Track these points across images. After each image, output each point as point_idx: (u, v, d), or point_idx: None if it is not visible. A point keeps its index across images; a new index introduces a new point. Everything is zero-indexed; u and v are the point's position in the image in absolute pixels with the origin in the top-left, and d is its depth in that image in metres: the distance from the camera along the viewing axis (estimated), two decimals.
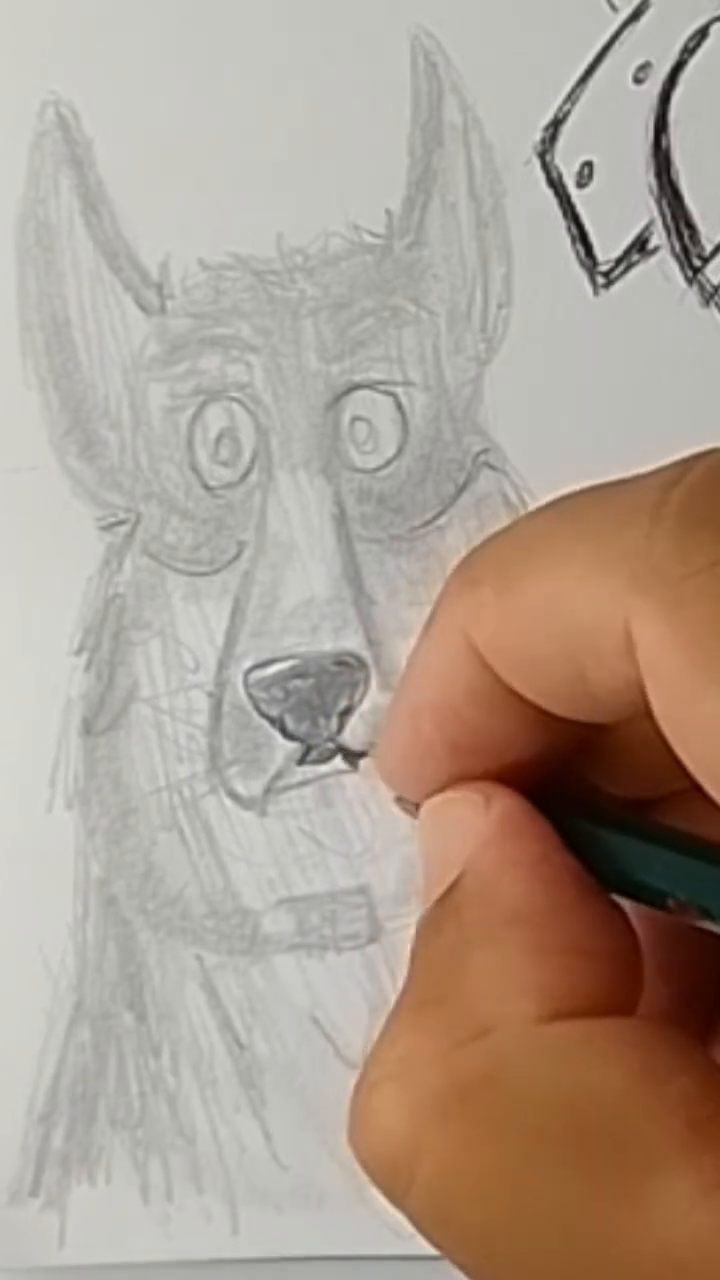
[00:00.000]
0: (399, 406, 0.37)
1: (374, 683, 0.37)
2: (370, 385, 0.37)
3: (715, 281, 0.36)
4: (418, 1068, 0.24)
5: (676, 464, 0.24)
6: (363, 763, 0.36)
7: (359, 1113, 0.25)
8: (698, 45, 0.36)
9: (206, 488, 0.38)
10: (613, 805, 0.27)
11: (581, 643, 0.24)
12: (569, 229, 0.36)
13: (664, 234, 0.36)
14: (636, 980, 0.25)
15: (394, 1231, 0.37)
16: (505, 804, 0.26)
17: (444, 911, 0.26)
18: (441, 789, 0.27)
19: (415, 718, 0.27)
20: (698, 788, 0.23)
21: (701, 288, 0.36)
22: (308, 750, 0.37)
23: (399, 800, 0.28)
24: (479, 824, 0.26)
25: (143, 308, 0.38)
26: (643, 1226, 0.22)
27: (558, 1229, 0.22)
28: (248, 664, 0.38)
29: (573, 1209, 0.22)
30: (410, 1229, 0.37)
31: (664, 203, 0.36)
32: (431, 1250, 0.37)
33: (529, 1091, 0.23)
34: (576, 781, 0.27)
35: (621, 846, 0.26)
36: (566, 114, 0.36)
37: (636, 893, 0.26)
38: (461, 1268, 0.24)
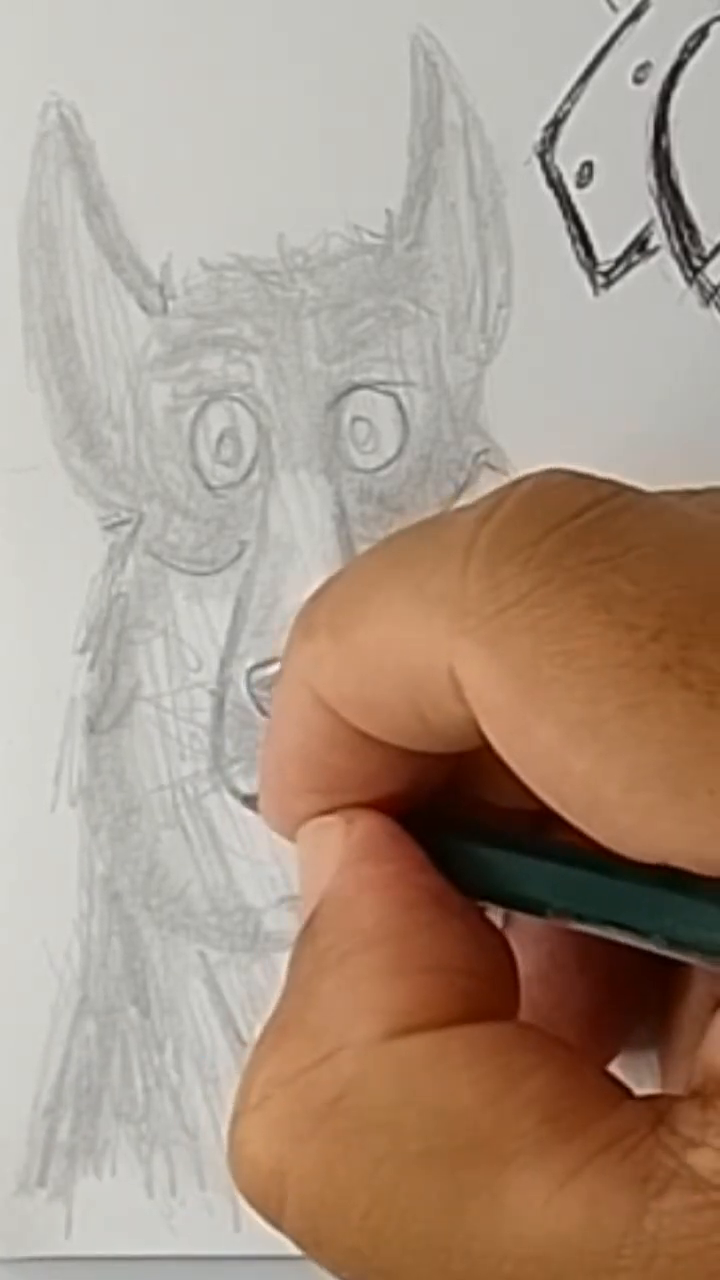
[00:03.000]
0: (399, 406, 0.37)
1: None
2: (371, 385, 0.37)
3: (715, 281, 0.36)
4: (274, 1095, 0.24)
5: (490, 496, 0.25)
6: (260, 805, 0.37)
7: (232, 1143, 0.25)
8: (698, 45, 0.36)
9: (208, 487, 0.38)
10: (493, 819, 0.27)
11: (415, 685, 0.24)
12: (569, 229, 0.36)
13: (664, 234, 0.36)
14: (504, 990, 0.25)
15: None
16: (366, 826, 0.26)
17: (304, 939, 0.26)
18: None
19: (281, 767, 0.27)
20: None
21: (701, 288, 0.36)
22: None
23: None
24: (340, 848, 0.26)
25: (145, 308, 0.38)
26: (501, 1223, 0.22)
27: (420, 1237, 0.23)
28: (250, 663, 0.38)
29: (432, 1215, 0.23)
30: None
31: (664, 203, 0.36)
32: None
33: (377, 1107, 0.24)
34: (460, 798, 0.28)
35: (495, 861, 0.26)
36: (566, 114, 0.36)
37: (515, 903, 0.26)
38: None
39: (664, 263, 0.36)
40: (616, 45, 0.36)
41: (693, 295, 0.36)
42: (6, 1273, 0.39)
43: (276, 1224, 0.25)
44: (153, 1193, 0.38)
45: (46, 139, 0.37)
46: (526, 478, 0.25)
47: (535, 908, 0.25)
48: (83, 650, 0.38)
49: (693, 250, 0.36)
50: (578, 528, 0.23)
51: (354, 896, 0.26)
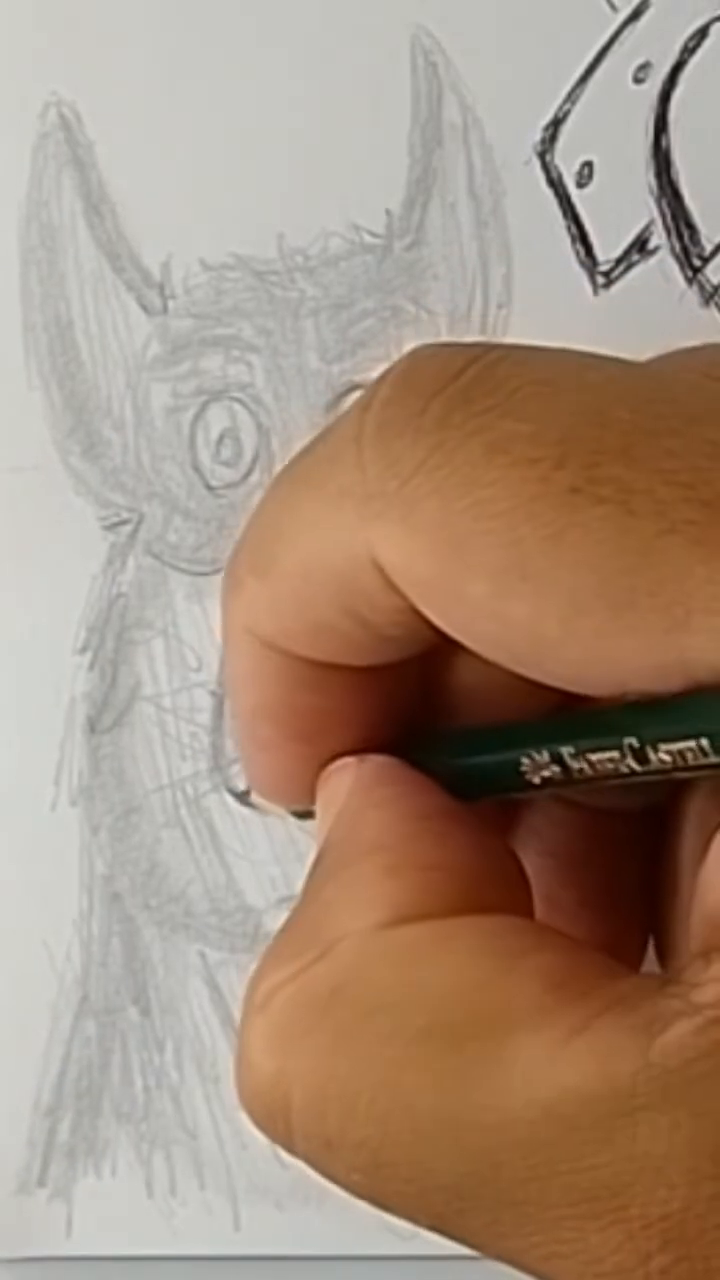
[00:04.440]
0: None
1: None
2: None
3: (715, 281, 0.36)
4: (275, 998, 0.24)
5: (370, 385, 0.24)
6: (252, 796, 0.36)
7: (236, 1061, 0.25)
8: (698, 45, 0.36)
9: (208, 487, 0.38)
10: (473, 733, 0.27)
11: (347, 591, 0.24)
12: (569, 229, 0.36)
13: (664, 234, 0.36)
14: (510, 893, 0.25)
15: (394, 1232, 0.38)
16: (375, 760, 0.26)
17: (313, 863, 0.26)
18: (304, 788, 0.27)
19: (251, 729, 0.27)
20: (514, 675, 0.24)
21: (701, 288, 0.36)
22: None
23: (298, 815, 0.28)
24: (350, 781, 0.26)
25: (145, 308, 0.38)
26: (510, 1089, 0.22)
27: (430, 1116, 0.22)
28: None
29: (440, 1092, 0.22)
30: (410, 1229, 0.37)
31: (664, 203, 0.36)
32: (433, 1250, 0.37)
33: (377, 993, 0.23)
34: (437, 728, 0.27)
35: (475, 749, 0.26)
36: (566, 114, 0.36)
37: (500, 780, 0.26)
38: (363, 1197, 0.24)
39: (664, 263, 0.36)
40: (616, 45, 0.36)
41: (693, 295, 0.36)
42: (6, 1273, 0.39)
43: (282, 1140, 0.24)
44: (153, 1193, 0.38)
45: (47, 139, 0.37)
46: (395, 362, 0.25)
47: (519, 778, 0.26)
48: (83, 650, 0.38)
49: (693, 250, 0.36)
50: (458, 388, 0.23)
51: (360, 814, 0.26)
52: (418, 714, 0.27)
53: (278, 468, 0.37)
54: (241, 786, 0.38)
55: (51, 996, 0.38)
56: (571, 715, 0.25)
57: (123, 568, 0.38)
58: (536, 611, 0.22)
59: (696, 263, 0.36)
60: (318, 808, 0.27)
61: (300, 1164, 0.38)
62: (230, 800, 0.38)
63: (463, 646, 0.24)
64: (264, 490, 0.27)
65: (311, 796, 0.27)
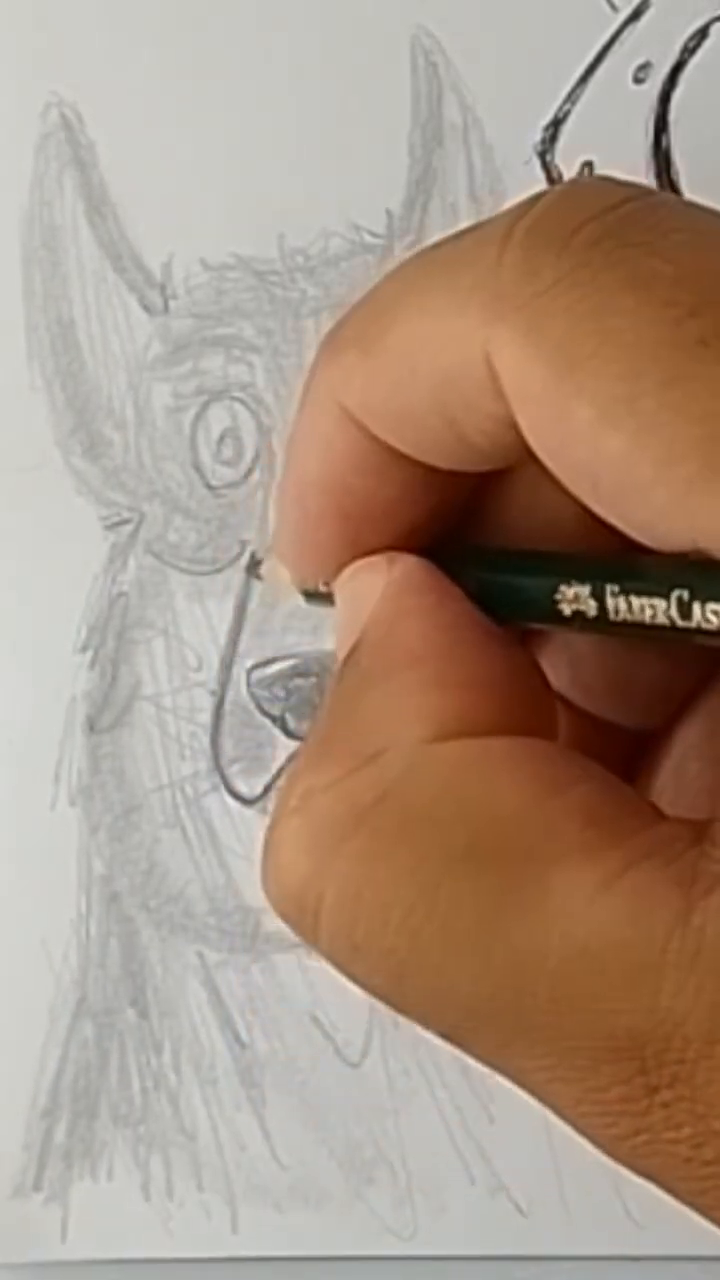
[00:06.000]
0: None
1: None
2: None
3: None
4: (315, 799, 0.24)
5: (525, 200, 0.24)
6: (263, 569, 0.35)
7: (266, 856, 0.25)
8: (698, 45, 0.36)
9: (209, 487, 0.38)
10: (514, 553, 0.27)
11: (448, 387, 0.24)
12: None
13: None
14: (543, 715, 0.25)
15: (393, 1232, 0.37)
16: (406, 563, 0.26)
17: (346, 665, 0.26)
18: (341, 564, 0.27)
19: (302, 496, 0.27)
20: (585, 511, 0.24)
21: None
22: None
23: (308, 596, 0.28)
24: (380, 583, 0.26)
25: (146, 308, 0.38)
26: (545, 920, 0.22)
27: (463, 935, 0.22)
28: (250, 663, 0.38)
29: (476, 913, 0.22)
30: (410, 1230, 0.37)
31: None
32: (429, 1251, 0.37)
33: (423, 806, 0.23)
34: (477, 540, 0.27)
35: (513, 571, 0.26)
36: (566, 114, 0.36)
37: (535, 614, 0.26)
38: (379, 999, 0.24)
39: None
40: (616, 45, 0.36)
41: None
42: (2, 1277, 0.39)
43: (308, 935, 0.24)
44: (149, 1195, 0.38)
45: (48, 140, 0.38)
46: (559, 183, 0.25)
47: (550, 606, 0.25)
48: (83, 649, 0.38)
49: None
50: (615, 218, 0.23)
51: (396, 621, 0.26)
52: (459, 527, 0.27)
53: (278, 468, 0.37)
54: (241, 787, 0.38)
55: (49, 997, 0.38)
56: (625, 555, 0.25)
57: (123, 567, 0.38)
58: (634, 448, 0.22)
59: None
60: (341, 600, 0.27)
61: (298, 1163, 0.38)
62: (230, 800, 0.38)
63: (540, 472, 0.24)
64: (391, 270, 0.26)
65: (333, 577, 0.27)
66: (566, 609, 0.25)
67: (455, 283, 0.24)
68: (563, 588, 0.25)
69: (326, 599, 0.28)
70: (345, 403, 0.26)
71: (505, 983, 0.22)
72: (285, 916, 0.24)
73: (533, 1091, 0.23)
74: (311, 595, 0.28)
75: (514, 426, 0.24)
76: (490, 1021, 0.22)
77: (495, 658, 0.25)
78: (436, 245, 0.25)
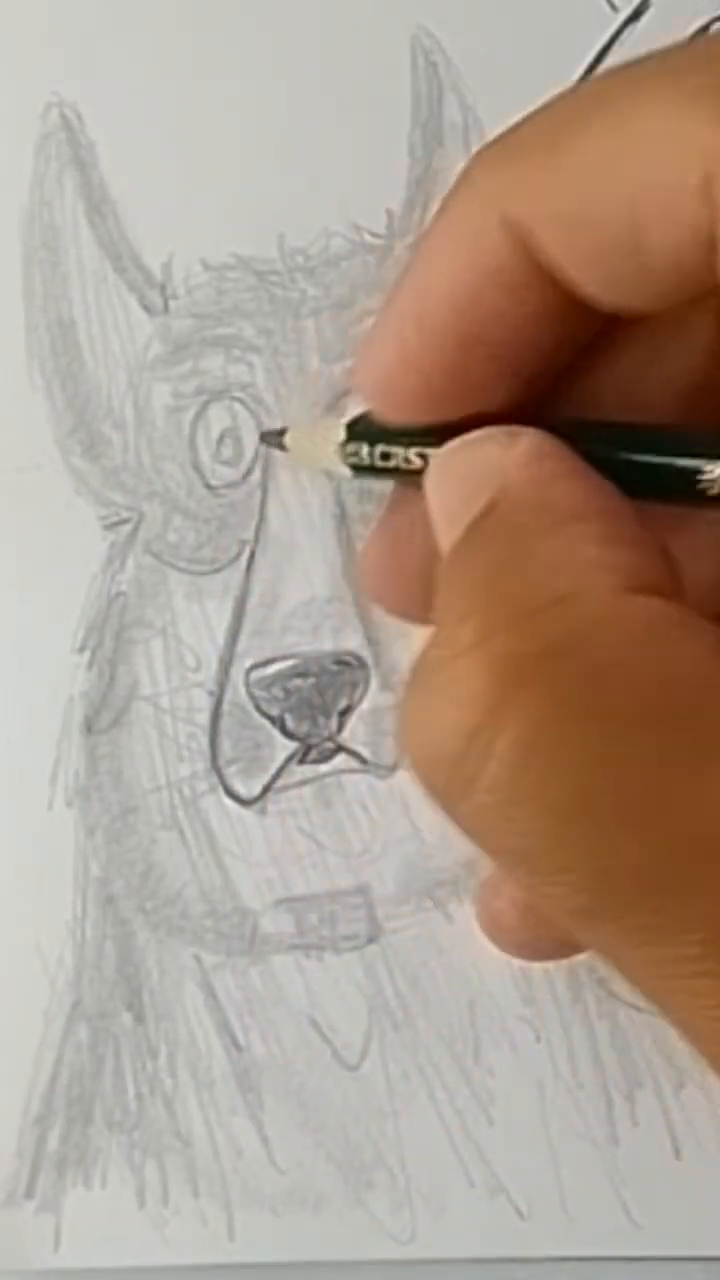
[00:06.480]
0: None
1: (374, 682, 0.37)
2: None
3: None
4: (495, 634, 0.22)
5: None
6: (287, 438, 0.31)
7: (420, 703, 0.23)
8: None
9: (209, 487, 0.38)
10: (654, 434, 0.26)
11: (648, 195, 0.23)
12: None
13: None
14: (680, 588, 0.24)
15: (392, 1236, 0.37)
16: (534, 434, 0.25)
17: (484, 528, 0.24)
18: (428, 399, 0.25)
19: (422, 311, 0.25)
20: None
21: None
22: (307, 750, 0.37)
23: (356, 469, 0.26)
24: (505, 457, 0.25)
25: (146, 308, 0.38)
26: (711, 793, 0.21)
27: (639, 796, 0.21)
28: (248, 663, 0.38)
29: (647, 774, 0.21)
30: (409, 1234, 0.37)
31: None
32: (428, 1254, 0.37)
33: (609, 659, 0.22)
34: (609, 421, 0.26)
35: (659, 456, 0.25)
36: None
37: (674, 493, 0.25)
38: (521, 861, 0.22)
39: None
40: (616, 45, 0.36)
41: None
42: None
43: (462, 785, 0.22)
44: (144, 1202, 0.38)
45: (49, 140, 0.38)
46: None
47: (691, 485, 0.25)
48: (81, 649, 0.38)
49: None
50: None
51: (548, 483, 0.24)
52: (542, 406, 0.26)
53: (278, 468, 0.37)
54: (239, 788, 0.38)
55: (43, 1001, 0.38)
56: None
57: (122, 567, 0.38)
58: None
59: None
60: (448, 472, 0.25)
61: (296, 1167, 0.37)
62: (228, 801, 0.38)
63: (650, 352, 0.23)
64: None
65: (420, 417, 0.26)
66: (715, 489, 0.25)
67: (679, 84, 0.22)
68: (708, 468, 0.24)
69: (378, 473, 0.26)
70: (513, 211, 0.24)
71: (678, 850, 0.21)
72: (437, 770, 0.23)
73: (660, 989, 0.21)
74: (361, 469, 0.27)
75: (705, 245, 0.22)
76: (647, 895, 0.21)
77: (646, 526, 0.24)
78: (638, 60, 0.24)
